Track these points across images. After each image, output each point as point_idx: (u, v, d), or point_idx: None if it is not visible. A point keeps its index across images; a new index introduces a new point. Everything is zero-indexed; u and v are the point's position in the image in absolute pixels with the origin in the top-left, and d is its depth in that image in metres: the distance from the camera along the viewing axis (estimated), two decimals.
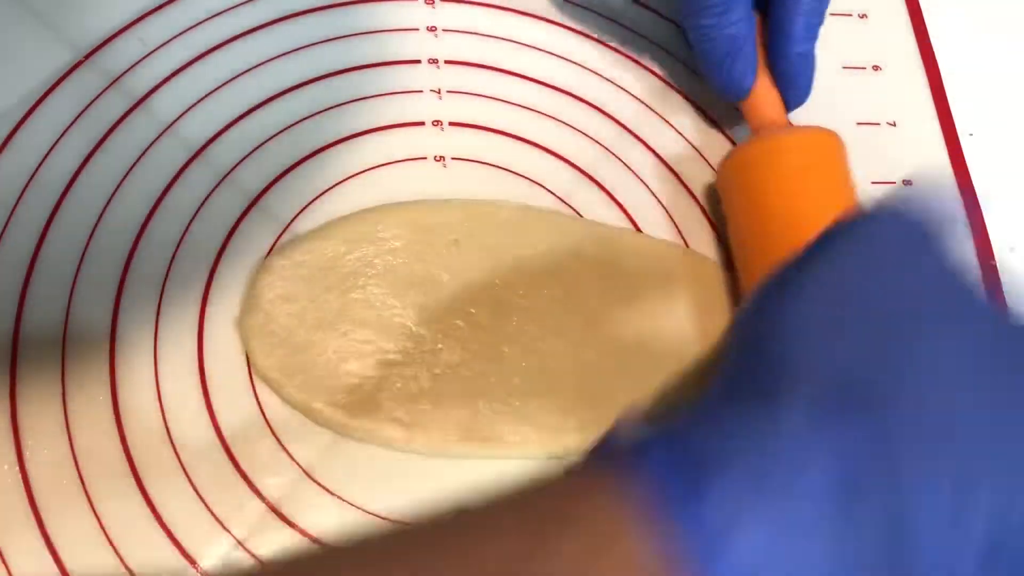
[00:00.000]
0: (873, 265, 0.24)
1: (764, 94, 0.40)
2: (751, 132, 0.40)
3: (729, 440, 0.21)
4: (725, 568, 0.19)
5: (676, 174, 0.42)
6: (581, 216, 0.40)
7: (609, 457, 0.22)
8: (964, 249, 0.25)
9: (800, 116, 0.44)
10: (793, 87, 0.40)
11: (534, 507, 0.21)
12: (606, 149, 0.42)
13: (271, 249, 0.38)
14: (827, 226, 0.26)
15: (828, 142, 0.38)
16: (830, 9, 0.47)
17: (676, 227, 0.41)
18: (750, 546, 0.19)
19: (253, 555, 0.33)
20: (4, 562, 0.32)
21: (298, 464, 0.35)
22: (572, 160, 0.41)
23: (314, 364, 0.35)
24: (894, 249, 0.25)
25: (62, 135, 0.38)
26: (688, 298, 0.39)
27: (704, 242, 0.40)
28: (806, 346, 0.23)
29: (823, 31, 0.46)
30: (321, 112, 0.40)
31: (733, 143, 0.43)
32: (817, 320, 0.23)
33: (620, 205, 0.41)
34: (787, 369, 0.22)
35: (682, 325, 0.38)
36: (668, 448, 0.21)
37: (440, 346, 0.36)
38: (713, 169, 0.42)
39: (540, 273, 0.38)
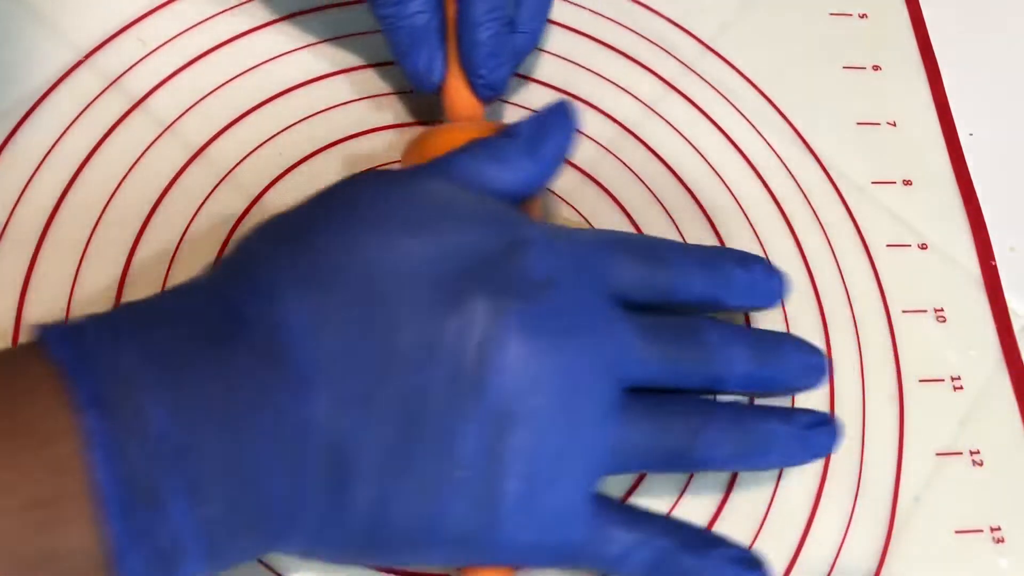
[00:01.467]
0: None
1: (458, 87, 0.37)
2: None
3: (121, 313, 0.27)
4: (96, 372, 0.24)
5: (676, 174, 0.42)
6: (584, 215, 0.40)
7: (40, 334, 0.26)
8: None
9: (800, 115, 0.44)
10: (477, 77, 0.37)
11: None
12: (606, 149, 0.42)
13: None
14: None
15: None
16: (830, 9, 0.47)
17: (676, 227, 0.41)
18: (115, 353, 0.25)
19: None
20: None
21: None
22: (572, 160, 0.41)
23: None
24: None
25: (62, 135, 0.38)
26: None
27: (704, 242, 0.41)
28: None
29: (823, 31, 0.47)
30: (321, 112, 0.40)
31: (733, 143, 0.43)
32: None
33: (620, 205, 0.41)
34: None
35: None
36: (73, 324, 0.26)
37: None
38: (713, 169, 0.42)
39: None
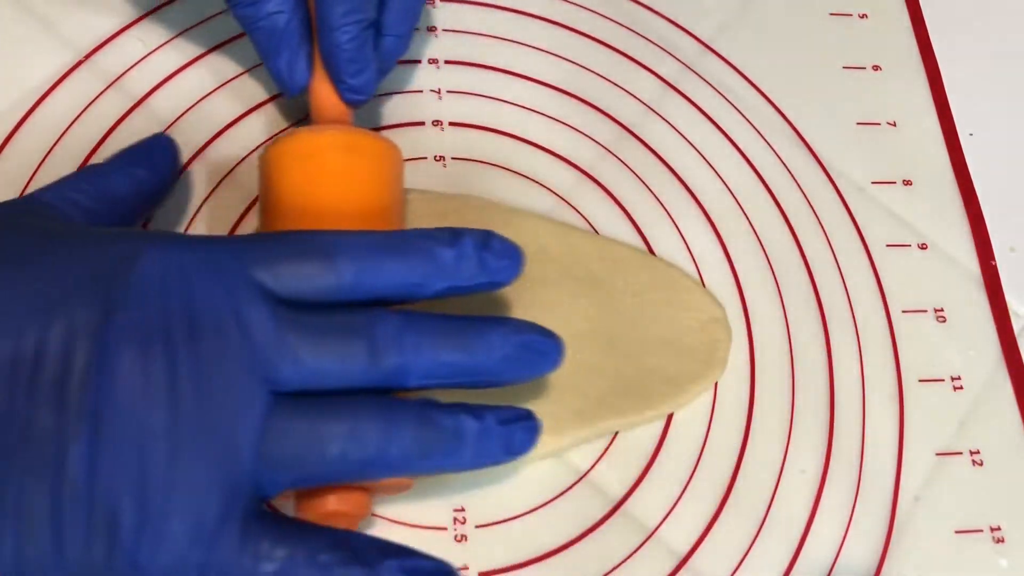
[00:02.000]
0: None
1: (323, 89, 0.36)
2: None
3: None
4: None
5: (676, 174, 0.42)
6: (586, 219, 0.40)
7: None
8: None
9: (800, 115, 0.44)
10: (339, 82, 0.36)
11: None
12: (606, 149, 0.42)
13: None
14: None
15: (374, 149, 0.34)
16: (830, 9, 0.47)
17: (676, 227, 0.41)
18: None
19: None
20: None
21: None
22: (572, 160, 0.41)
23: None
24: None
25: (62, 135, 0.38)
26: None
27: (703, 242, 0.41)
28: None
29: (823, 31, 0.47)
30: None
31: (733, 143, 0.43)
32: None
33: (620, 205, 0.41)
34: None
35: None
36: None
37: None
38: (713, 169, 0.42)
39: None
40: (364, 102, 0.37)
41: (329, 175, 0.33)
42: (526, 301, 0.37)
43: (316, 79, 0.36)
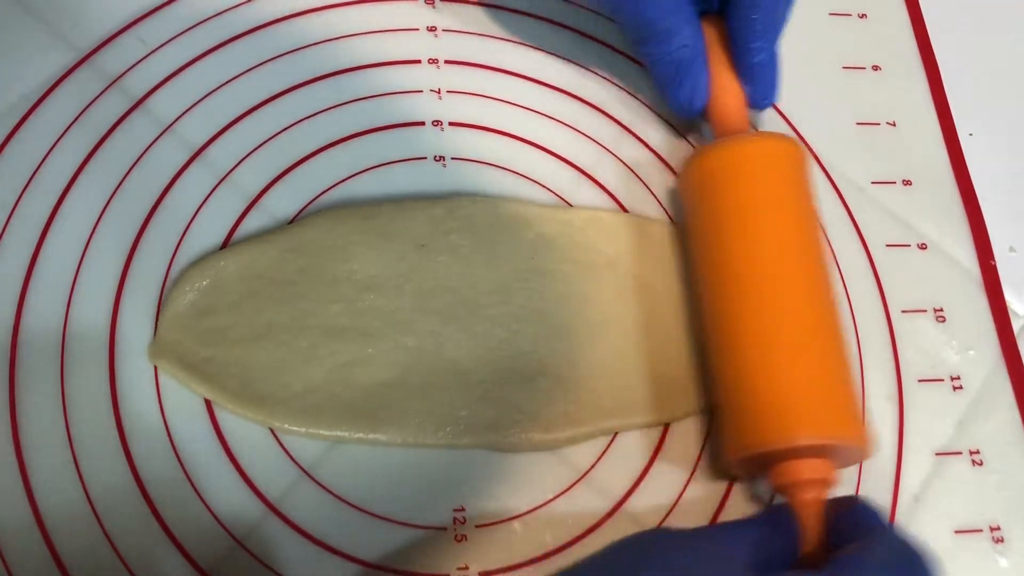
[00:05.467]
0: None
1: (725, 102, 0.39)
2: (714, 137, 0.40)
3: None
4: None
5: (676, 174, 0.42)
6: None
7: None
8: None
9: (800, 115, 0.44)
10: (754, 91, 0.40)
11: None
12: (606, 149, 0.42)
13: None
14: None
15: (788, 150, 0.37)
16: (830, 9, 0.47)
17: (677, 227, 0.41)
18: None
19: (254, 555, 0.33)
20: (4, 562, 0.32)
21: (298, 464, 0.35)
22: (572, 160, 0.41)
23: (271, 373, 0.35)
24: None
25: (62, 135, 0.38)
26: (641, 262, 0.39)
27: None
28: None
29: (823, 31, 0.47)
30: (321, 112, 0.40)
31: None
32: None
33: (620, 205, 0.41)
34: None
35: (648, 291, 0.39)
36: None
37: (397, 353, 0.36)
38: None
39: (512, 273, 0.38)
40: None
41: (768, 178, 0.37)
42: (538, 293, 0.37)
43: (718, 96, 0.39)
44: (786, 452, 0.33)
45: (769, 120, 0.44)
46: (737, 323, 0.35)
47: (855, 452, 0.34)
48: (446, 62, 0.42)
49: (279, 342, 0.35)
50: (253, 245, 0.37)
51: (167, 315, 0.36)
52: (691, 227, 0.38)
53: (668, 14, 0.38)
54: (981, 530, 0.37)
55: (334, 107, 0.41)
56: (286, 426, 0.34)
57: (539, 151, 0.41)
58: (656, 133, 0.42)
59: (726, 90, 0.39)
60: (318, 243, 0.37)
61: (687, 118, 0.41)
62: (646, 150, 0.42)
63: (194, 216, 0.38)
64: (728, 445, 0.35)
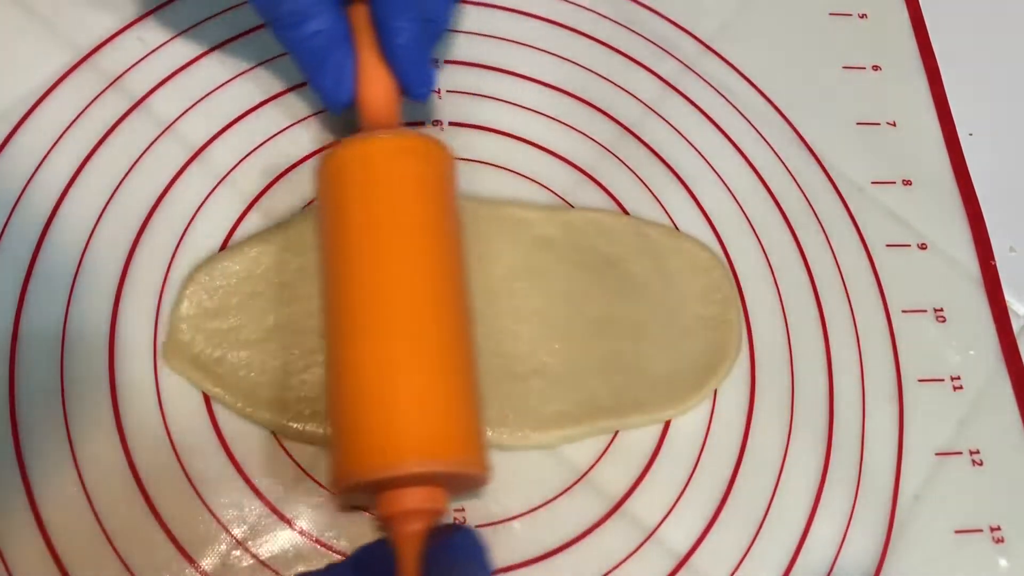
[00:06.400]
0: None
1: (374, 93, 0.36)
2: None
3: None
4: None
5: (676, 174, 0.42)
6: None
7: None
8: None
9: (800, 114, 0.44)
10: (405, 79, 0.36)
11: None
12: (606, 149, 0.42)
13: None
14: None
15: (424, 150, 0.34)
16: (830, 9, 0.47)
17: (676, 227, 0.41)
18: None
19: (253, 555, 0.33)
20: (4, 562, 0.32)
21: (298, 464, 0.35)
22: (572, 160, 0.41)
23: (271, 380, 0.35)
24: None
25: (62, 135, 0.38)
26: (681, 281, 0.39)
27: (703, 241, 0.40)
28: None
29: (823, 31, 0.47)
30: (321, 112, 0.40)
31: (733, 143, 0.43)
32: None
33: (620, 205, 0.41)
34: None
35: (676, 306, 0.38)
36: None
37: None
38: (713, 169, 0.42)
39: (514, 270, 0.38)
40: (429, 95, 0.37)
41: (398, 180, 0.34)
42: (535, 293, 0.37)
43: (364, 86, 0.35)
44: (389, 481, 0.30)
45: (769, 119, 0.44)
46: (346, 338, 0.32)
47: (470, 479, 0.32)
48: (446, 62, 0.42)
49: (284, 344, 0.35)
50: (254, 245, 0.37)
51: (178, 316, 0.36)
52: (318, 228, 0.36)
53: None
54: (981, 530, 0.37)
55: None
56: (293, 426, 0.35)
57: (539, 151, 0.41)
58: (657, 133, 0.42)
59: (373, 80, 0.35)
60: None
61: (339, 112, 0.36)
62: (646, 150, 0.42)
63: (194, 216, 0.38)
64: (329, 477, 0.32)
